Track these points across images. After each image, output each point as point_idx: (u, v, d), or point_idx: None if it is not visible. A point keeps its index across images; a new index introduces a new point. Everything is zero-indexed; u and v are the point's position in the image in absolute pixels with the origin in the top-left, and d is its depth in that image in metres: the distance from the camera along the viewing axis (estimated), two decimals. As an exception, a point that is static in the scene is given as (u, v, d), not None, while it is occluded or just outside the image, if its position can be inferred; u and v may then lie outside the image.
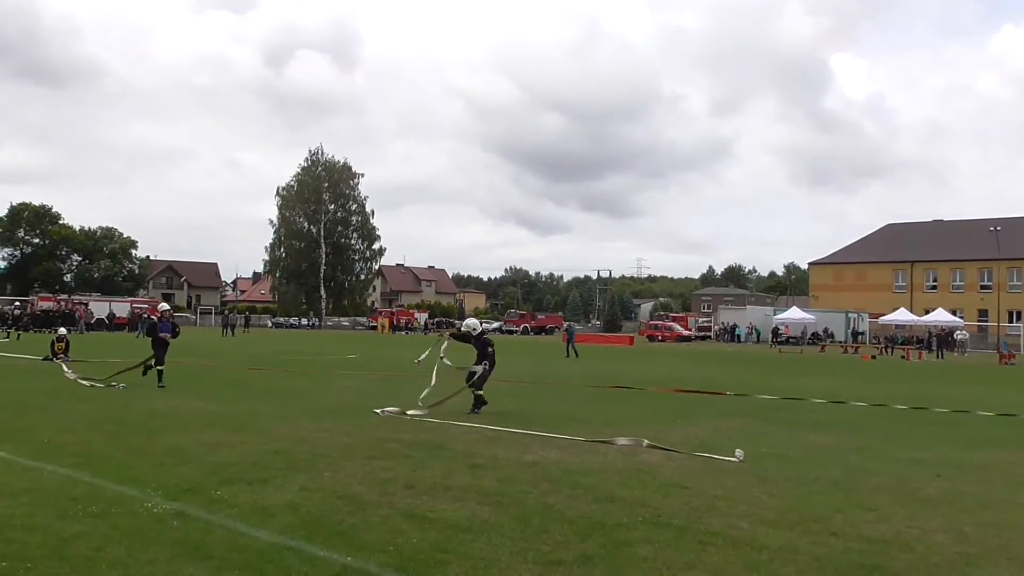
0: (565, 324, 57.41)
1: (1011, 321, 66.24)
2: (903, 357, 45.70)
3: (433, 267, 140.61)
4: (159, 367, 16.30)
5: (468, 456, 9.05)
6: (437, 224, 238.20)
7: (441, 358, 14.00)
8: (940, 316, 59.60)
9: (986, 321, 67.56)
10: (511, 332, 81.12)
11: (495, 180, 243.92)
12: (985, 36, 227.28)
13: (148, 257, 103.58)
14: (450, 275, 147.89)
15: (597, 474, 8.19)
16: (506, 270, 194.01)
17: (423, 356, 14.34)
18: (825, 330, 64.18)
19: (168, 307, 18.62)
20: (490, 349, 13.78)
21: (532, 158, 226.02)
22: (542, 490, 7.32)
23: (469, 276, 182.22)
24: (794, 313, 66.35)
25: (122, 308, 63.98)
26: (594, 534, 5.89)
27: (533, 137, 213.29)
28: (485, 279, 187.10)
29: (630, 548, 5.58)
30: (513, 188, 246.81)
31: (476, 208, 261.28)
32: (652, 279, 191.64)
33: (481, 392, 13.34)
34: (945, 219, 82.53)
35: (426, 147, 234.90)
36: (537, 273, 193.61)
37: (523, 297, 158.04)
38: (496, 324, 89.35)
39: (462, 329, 14.57)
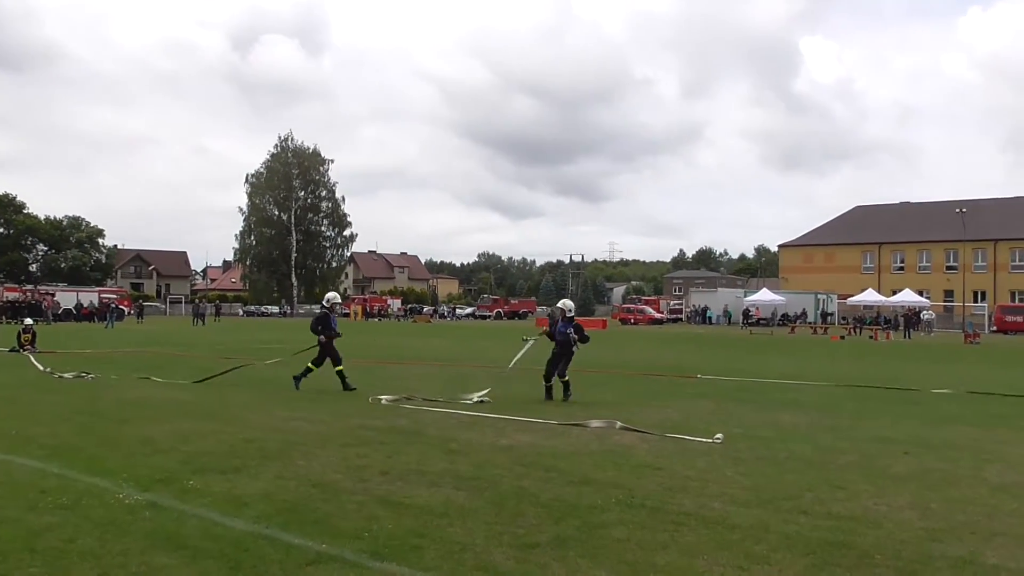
0: (549, 310, 58.00)
1: (976, 301, 67.48)
2: (871, 337, 46.42)
3: (406, 253, 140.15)
4: (315, 366, 14.29)
5: (443, 441, 9.06)
6: (409, 210, 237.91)
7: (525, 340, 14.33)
8: (907, 297, 60.50)
9: (952, 301, 68.77)
10: (484, 317, 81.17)
11: (467, 165, 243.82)
12: (952, 19, 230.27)
13: (116, 246, 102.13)
14: (423, 261, 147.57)
15: (571, 457, 8.24)
16: (479, 255, 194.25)
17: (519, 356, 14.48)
18: (803, 311, 64.91)
19: (339, 297, 15.65)
20: (570, 331, 13.24)
21: (504, 143, 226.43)
22: (516, 474, 7.36)
23: (442, 262, 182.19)
24: (764, 295, 67.03)
25: (90, 298, 63.13)
26: (568, 516, 5.94)
27: (505, 121, 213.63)
28: (458, 265, 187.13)
29: (604, 530, 5.63)
30: (485, 173, 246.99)
31: (448, 193, 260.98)
32: (624, 263, 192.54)
33: (567, 379, 13.08)
34: (912, 201, 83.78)
35: (397, 132, 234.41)
36: (510, 258, 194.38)
37: (496, 282, 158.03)
38: (469, 310, 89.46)
39: (558, 307, 14.03)
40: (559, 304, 14.13)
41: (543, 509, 6.13)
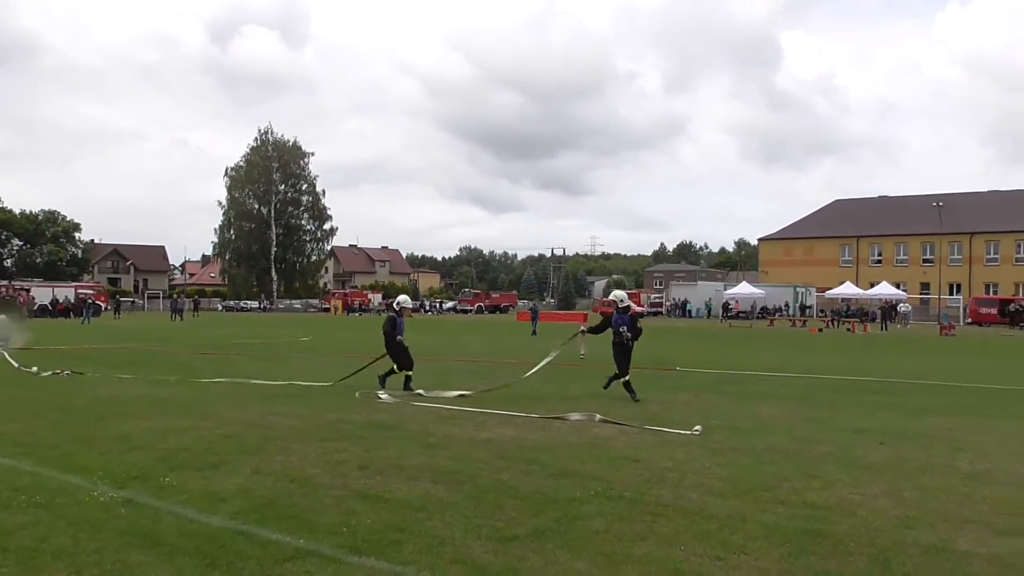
0: (531, 304, 58.09)
1: (951, 294, 68.17)
2: (849, 330, 46.78)
3: (387, 247, 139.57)
4: (399, 370, 13.53)
5: (422, 436, 9.05)
6: (391, 204, 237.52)
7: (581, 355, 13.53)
8: (884, 289, 61.09)
9: (928, 294, 69.47)
10: (466, 311, 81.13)
11: (449, 159, 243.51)
12: (931, 15, 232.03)
13: (93, 241, 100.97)
14: (404, 255, 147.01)
15: (551, 450, 8.26)
16: (461, 249, 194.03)
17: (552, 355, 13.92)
18: (785, 304, 65.34)
19: (409, 301, 14.78)
20: (622, 329, 12.50)
21: (486, 136, 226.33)
22: (496, 467, 7.37)
23: (424, 256, 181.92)
24: (744, 288, 67.39)
25: (66, 294, 62.39)
26: (547, 509, 5.95)
27: (487, 115, 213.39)
28: (440, 259, 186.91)
29: (583, 521, 5.65)
30: (467, 167, 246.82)
31: (430, 187, 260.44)
32: (606, 257, 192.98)
33: (622, 379, 12.45)
34: (890, 195, 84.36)
35: (379, 126, 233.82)
36: (492, 252, 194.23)
37: (478, 276, 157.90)
38: (451, 303, 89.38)
39: (611, 298, 13.46)
40: (611, 296, 13.62)
41: (522, 502, 6.14)
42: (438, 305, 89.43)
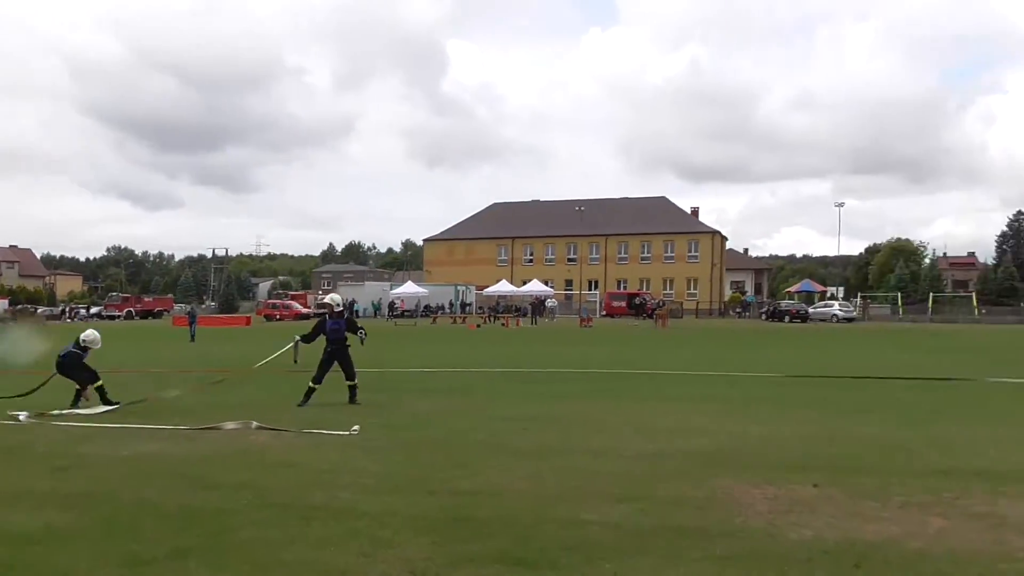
0: (188, 308, 54.15)
1: (590, 289, 76.17)
2: (503, 325, 50.24)
3: (16, 247, 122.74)
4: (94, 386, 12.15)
5: (50, 458, 8.08)
6: (21, 197, 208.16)
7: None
8: (535, 287, 66.49)
9: (571, 290, 76.91)
10: (113, 318, 73.91)
11: (94, 147, 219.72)
12: (577, 37, 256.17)
13: None
14: (38, 255, 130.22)
15: (200, 462, 7.81)
16: (108, 249, 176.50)
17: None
18: (449, 302, 68.10)
19: (98, 341, 12.92)
20: (361, 333, 12.64)
21: (138, 125, 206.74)
22: (135, 486, 6.79)
23: (62, 257, 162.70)
24: (409, 288, 69.36)
25: None
26: (192, 525, 5.61)
27: (139, 101, 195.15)
28: (82, 259, 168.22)
29: (231, 533, 5.42)
30: (116, 157, 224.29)
31: (70, 179, 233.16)
32: (272, 257, 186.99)
33: (355, 382, 12.35)
34: (542, 199, 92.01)
35: (7, 107, 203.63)
36: (145, 252, 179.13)
37: (128, 279, 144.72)
38: (96, 309, 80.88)
39: (326, 301, 12.86)
40: (326, 299, 13.16)
41: (164, 521, 5.73)
42: (83, 311, 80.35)
